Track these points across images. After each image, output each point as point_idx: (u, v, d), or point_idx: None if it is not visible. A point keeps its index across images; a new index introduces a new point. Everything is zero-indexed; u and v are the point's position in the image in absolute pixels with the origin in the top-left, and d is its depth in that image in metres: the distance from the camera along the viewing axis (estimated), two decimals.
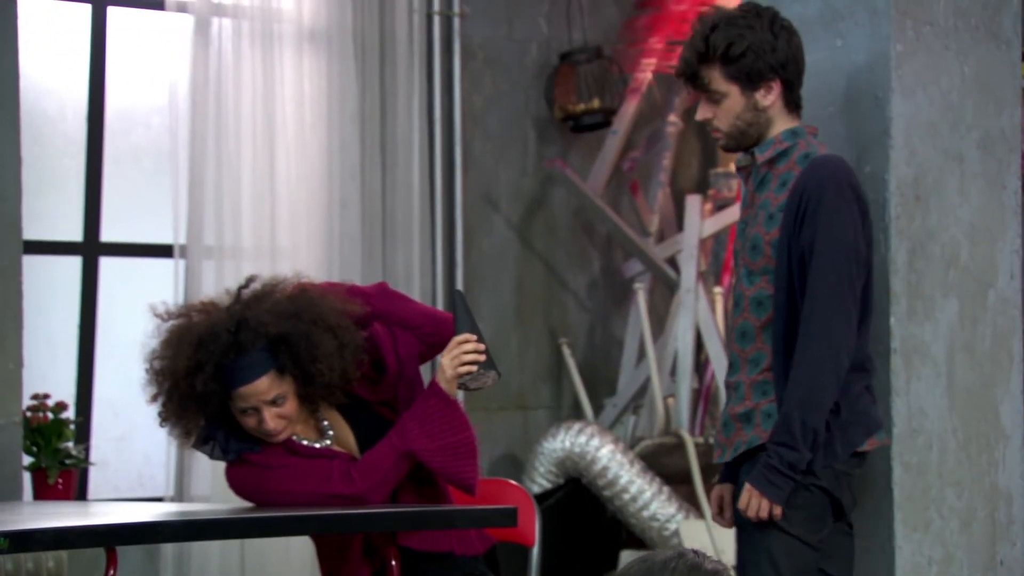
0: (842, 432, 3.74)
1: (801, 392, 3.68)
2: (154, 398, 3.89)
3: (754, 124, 3.85)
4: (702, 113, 3.90)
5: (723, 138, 3.90)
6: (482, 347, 3.92)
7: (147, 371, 3.88)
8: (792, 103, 3.87)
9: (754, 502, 3.68)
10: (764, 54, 3.81)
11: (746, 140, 3.87)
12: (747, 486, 3.70)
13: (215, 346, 3.79)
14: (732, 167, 7.22)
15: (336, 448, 3.98)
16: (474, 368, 3.91)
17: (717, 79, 3.84)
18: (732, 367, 3.89)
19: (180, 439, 3.96)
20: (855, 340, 3.73)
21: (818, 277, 3.71)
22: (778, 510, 3.67)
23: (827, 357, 3.68)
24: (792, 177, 3.80)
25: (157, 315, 3.91)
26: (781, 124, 3.85)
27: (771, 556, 3.72)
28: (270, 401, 3.82)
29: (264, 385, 3.81)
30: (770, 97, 3.84)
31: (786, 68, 3.83)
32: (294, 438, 3.95)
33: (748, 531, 3.77)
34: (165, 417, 3.89)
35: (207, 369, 3.78)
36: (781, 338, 3.77)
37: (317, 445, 3.97)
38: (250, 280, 3.95)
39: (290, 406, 3.86)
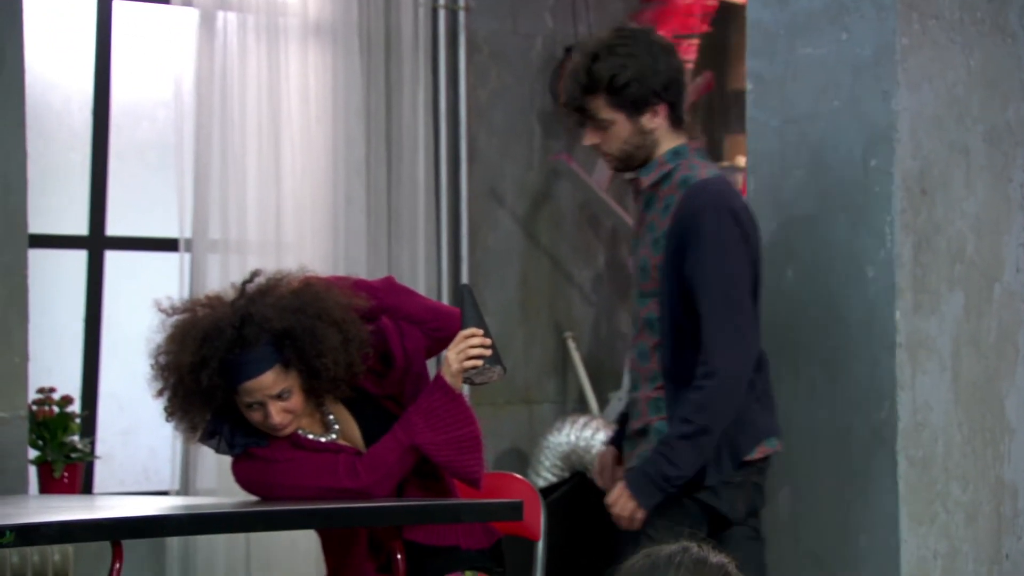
0: (729, 445, 3.85)
1: (697, 414, 3.81)
2: (160, 393, 3.89)
3: (641, 147, 3.94)
4: (589, 139, 3.99)
5: (612, 161, 4.01)
6: (488, 341, 3.92)
7: (152, 366, 3.88)
8: (677, 120, 3.97)
9: (622, 502, 3.83)
10: (647, 80, 3.89)
11: (634, 161, 3.97)
12: (620, 485, 3.85)
13: (220, 341, 3.79)
14: (738, 161, 7.23)
15: (341, 442, 3.98)
16: (480, 362, 3.91)
17: (603, 108, 3.92)
18: (634, 384, 4.03)
19: (186, 434, 3.96)
20: (752, 364, 3.84)
21: (708, 305, 3.81)
22: (640, 514, 3.81)
23: (725, 382, 3.80)
24: (674, 201, 3.89)
25: (161, 310, 3.91)
26: (667, 143, 3.95)
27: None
28: (275, 395, 3.82)
29: (269, 380, 3.81)
30: (656, 120, 3.94)
31: (669, 90, 3.93)
32: (299, 432, 3.95)
33: (623, 537, 3.93)
34: (171, 412, 3.90)
35: (212, 364, 3.78)
36: (668, 360, 3.89)
37: (323, 439, 3.97)
38: (255, 274, 3.95)
39: (295, 400, 3.86)
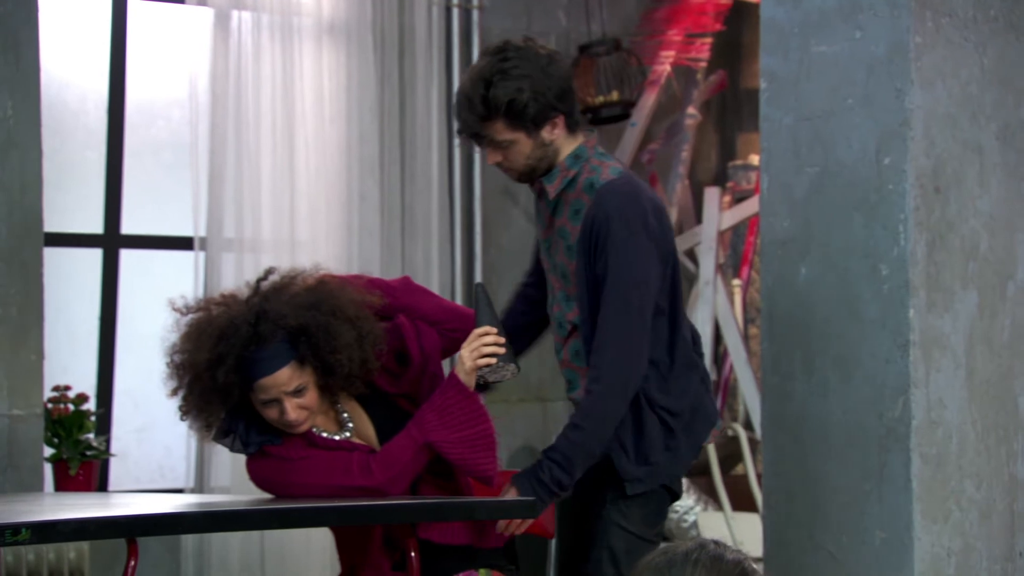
0: (687, 434, 3.99)
1: (587, 420, 3.90)
2: (175, 391, 3.90)
3: (544, 158, 3.98)
4: (492, 158, 4.00)
5: (516, 175, 4.03)
6: (502, 340, 3.93)
7: (168, 365, 3.89)
8: (573, 125, 4.01)
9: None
10: (543, 96, 3.92)
11: (538, 172, 4.01)
12: (511, 487, 3.89)
13: (236, 338, 3.81)
14: (751, 159, 7.24)
15: (356, 440, 3.99)
16: (494, 360, 3.92)
17: (503, 131, 3.94)
18: (572, 384, 4.10)
19: (201, 432, 3.97)
20: (643, 370, 3.92)
21: (608, 309, 3.89)
22: (530, 520, 3.92)
23: (615, 387, 3.89)
24: (583, 206, 3.95)
25: (176, 309, 3.92)
26: (566, 148, 4.00)
27: (612, 553, 3.96)
28: (291, 392, 3.84)
29: (285, 376, 3.83)
30: (555, 131, 3.98)
31: (563, 100, 3.95)
32: (314, 430, 3.95)
33: (589, 525, 3.99)
34: (186, 411, 3.91)
35: (228, 361, 3.79)
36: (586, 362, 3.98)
37: (337, 437, 3.98)
38: (269, 272, 3.97)
39: (311, 397, 3.87)
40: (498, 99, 3.87)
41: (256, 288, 3.92)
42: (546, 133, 3.94)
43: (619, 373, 3.90)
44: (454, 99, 3.98)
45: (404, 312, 4.02)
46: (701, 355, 4.13)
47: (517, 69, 3.89)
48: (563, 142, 3.99)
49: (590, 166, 3.99)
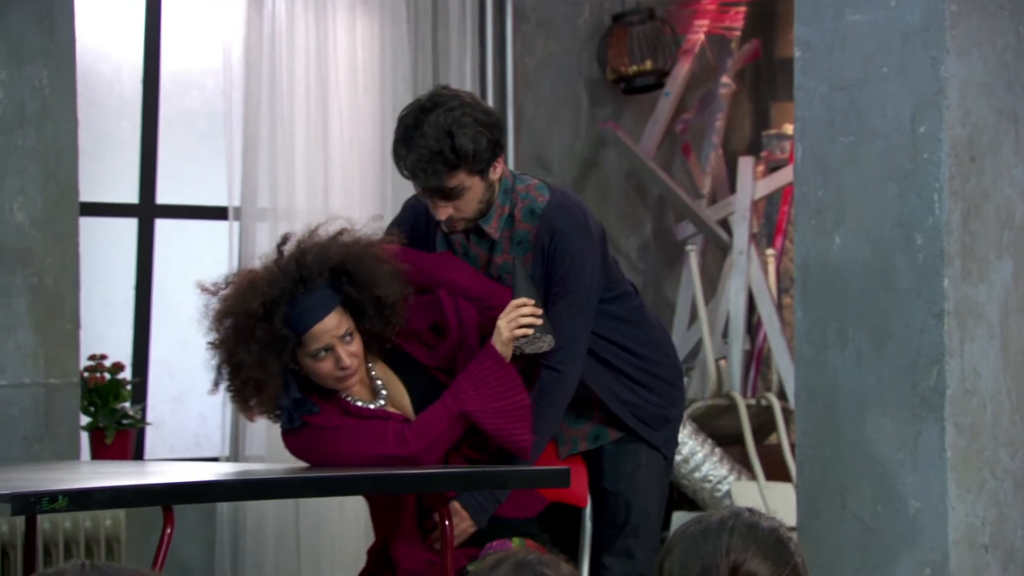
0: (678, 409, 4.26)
1: (540, 423, 3.99)
2: (221, 368, 3.91)
3: (489, 200, 4.00)
4: (443, 212, 3.97)
5: (464, 223, 4.01)
6: (539, 311, 3.94)
7: (214, 340, 3.91)
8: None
9: (456, 521, 3.94)
10: (493, 138, 3.93)
11: (482, 214, 4.01)
12: (457, 505, 3.97)
13: (286, 282, 3.86)
14: (786, 129, 7.21)
15: (390, 409, 4.00)
16: (530, 331, 3.92)
17: (464, 179, 3.93)
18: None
19: (259, 407, 3.98)
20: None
21: (572, 310, 4.00)
22: (472, 530, 4.00)
23: (574, 377, 4.02)
24: (527, 235, 4.00)
25: (205, 290, 3.94)
26: (498, 181, 4.00)
27: (637, 462, 4.18)
28: (341, 337, 3.87)
29: (334, 321, 3.87)
30: (499, 169, 3.99)
31: (503, 137, 3.99)
32: (348, 399, 3.97)
33: (622, 448, 4.18)
34: (240, 380, 3.91)
35: (281, 308, 3.83)
36: None
37: (372, 406, 3.99)
38: (286, 238, 4.00)
39: (358, 344, 3.92)
40: (464, 148, 3.87)
41: (279, 250, 3.96)
42: (492, 174, 3.97)
43: (578, 365, 4.03)
44: (411, 160, 3.90)
45: (444, 286, 4.03)
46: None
47: (467, 116, 3.90)
48: (498, 178, 4.02)
49: (519, 195, 4.02)
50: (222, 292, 3.92)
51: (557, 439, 4.22)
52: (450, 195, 3.93)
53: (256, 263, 4.01)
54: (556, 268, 4.00)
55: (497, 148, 3.95)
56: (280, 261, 3.92)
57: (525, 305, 3.92)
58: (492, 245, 4.04)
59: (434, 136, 3.88)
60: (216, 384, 3.93)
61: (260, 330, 3.84)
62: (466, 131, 3.88)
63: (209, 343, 3.91)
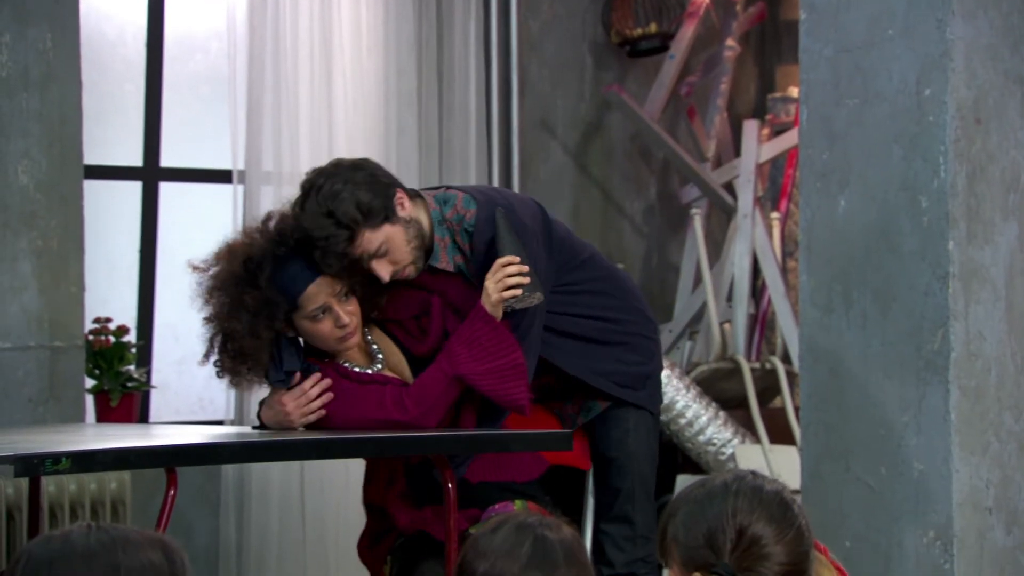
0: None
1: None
2: (211, 343, 3.94)
3: (419, 235, 3.98)
4: (384, 271, 3.95)
5: (415, 268, 4.00)
6: (525, 268, 3.93)
7: (208, 312, 3.93)
8: (412, 194, 4.02)
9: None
10: (372, 184, 3.91)
11: (424, 250, 4.01)
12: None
13: (265, 243, 3.93)
14: (791, 91, 7.19)
15: (387, 373, 4.02)
16: (519, 291, 3.92)
17: (373, 238, 3.91)
18: None
19: (252, 375, 4.00)
20: None
21: (516, 315, 3.98)
22: None
23: (531, 364, 4.05)
24: (469, 252, 4.00)
25: (196, 269, 3.96)
26: (424, 218, 4.00)
27: (626, 427, 4.21)
28: (336, 296, 3.89)
29: (327, 280, 3.90)
30: (406, 204, 3.97)
31: (384, 176, 3.96)
32: (346, 365, 3.98)
33: (610, 413, 4.22)
34: (233, 353, 3.93)
35: (266, 268, 3.86)
36: None
37: (369, 371, 4.00)
38: (269, 215, 4.02)
39: (355, 303, 3.93)
40: (348, 213, 3.86)
41: (264, 224, 3.98)
42: (401, 211, 3.95)
43: (534, 351, 4.04)
44: (327, 258, 3.88)
45: (439, 295, 4.05)
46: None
47: (334, 184, 3.90)
48: (417, 212, 4.01)
49: (452, 221, 4.01)
50: (212, 269, 3.94)
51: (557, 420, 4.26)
52: (376, 254, 3.92)
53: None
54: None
55: (387, 188, 3.93)
56: (260, 227, 3.94)
57: (511, 263, 3.91)
58: (461, 272, 4.05)
59: (319, 225, 3.86)
60: (207, 356, 3.95)
61: (249, 297, 3.85)
62: (341, 197, 3.87)
63: (204, 318, 3.93)
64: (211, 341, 3.93)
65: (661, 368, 4.34)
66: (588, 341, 4.18)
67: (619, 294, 4.25)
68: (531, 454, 4.13)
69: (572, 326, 4.16)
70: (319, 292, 3.88)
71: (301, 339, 4.00)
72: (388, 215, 3.91)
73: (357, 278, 3.95)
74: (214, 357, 3.94)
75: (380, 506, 4.11)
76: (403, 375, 4.03)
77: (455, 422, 4.02)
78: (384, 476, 4.12)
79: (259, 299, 3.85)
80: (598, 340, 4.18)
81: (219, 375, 3.97)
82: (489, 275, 3.92)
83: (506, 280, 3.90)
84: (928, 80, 3.92)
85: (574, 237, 4.26)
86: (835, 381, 4.11)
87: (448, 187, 4.13)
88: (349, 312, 3.92)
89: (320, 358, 4.01)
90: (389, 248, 3.92)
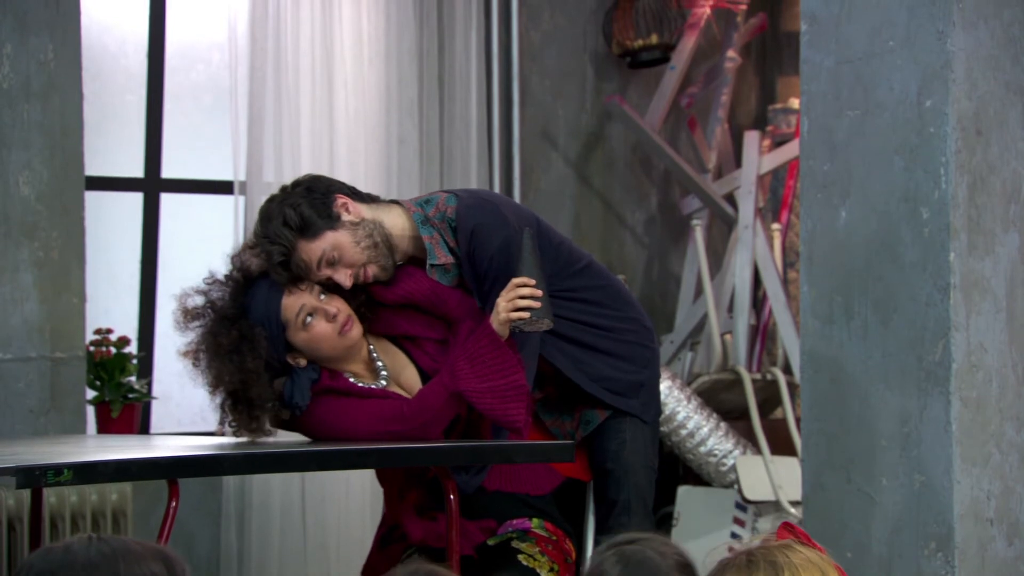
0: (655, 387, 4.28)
1: None
2: (214, 388, 3.96)
3: (371, 235, 3.98)
4: (343, 277, 3.97)
5: (380, 267, 4.01)
6: (539, 293, 3.92)
7: (205, 379, 3.96)
8: (366, 197, 4.05)
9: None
10: (301, 194, 3.95)
11: (393, 251, 4.02)
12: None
13: (224, 285, 3.93)
14: (792, 102, 7.20)
15: (392, 389, 4.01)
16: (527, 315, 3.90)
17: (314, 247, 3.93)
18: None
19: (264, 421, 4.01)
20: None
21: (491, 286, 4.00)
22: None
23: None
24: (458, 247, 4.02)
25: (187, 355, 4.01)
26: (397, 219, 4.03)
27: (622, 438, 4.19)
28: (316, 296, 3.91)
29: (296, 290, 3.93)
30: (350, 207, 3.98)
31: (320, 183, 3.99)
32: (351, 380, 3.98)
33: (606, 425, 4.20)
34: (233, 397, 3.95)
35: (234, 301, 3.86)
36: None
37: (373, 386, 4.00)
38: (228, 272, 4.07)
39: (336, 298, 3.96)
40: (280, 234, 3.91)
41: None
42: (345, 215, 3.97)
43: (531, 375, 4.05)
44: (287, 273, 3.94)
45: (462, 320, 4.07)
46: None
47: (270, 207, 3.97)
48: (381, 213, 4.03)
49: (436, 220, 4.03)
50: (193, 340, 3.98)
51: (554, 434, 4.26)
52: (326, 262, 3.94)
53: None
54: (480, 264, 4.00)
55: (323, 196, 3.96)
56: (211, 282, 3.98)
57: (525, 285, 3.90)
58: (443, 269, 4.07)
59: (260, 245, 3.95)
60: (222, 423, 3.97)
61: (223, 337, 3.86)
62: (271, 220, 3.93)
63: (206, 386, 3.96)
64: (222, 407, 3.96)
65: (658, 377, 4.33)
66: (583, 347, 4.18)
67: (615, 303, 4.25)
68: (544, 466, 4.13)
69: (569, 330, 4.16)
70: (296, 299, 3.89)
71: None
72: (329, 222, 3.94)
73: (354, 304, 3.96)
74: (228, 419, 3.97)
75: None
76: (414, 388, 4.03)
77: (468, 432, 4.02)
78: (394, 492, 4.11)
79: (235, 337, 3.86)
80: (593, 347, 4.19)
81: (236, 435, 3.99)
82: (503, 294, 3.91)
83: (517, 301, 3.89)
84: (929, 91, 3.92)
85: (572, 245, 4.27)
86: (836, 392, 4.10)
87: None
88: (335, 305, 3.92)
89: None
90: (339, 254, 3.95)
